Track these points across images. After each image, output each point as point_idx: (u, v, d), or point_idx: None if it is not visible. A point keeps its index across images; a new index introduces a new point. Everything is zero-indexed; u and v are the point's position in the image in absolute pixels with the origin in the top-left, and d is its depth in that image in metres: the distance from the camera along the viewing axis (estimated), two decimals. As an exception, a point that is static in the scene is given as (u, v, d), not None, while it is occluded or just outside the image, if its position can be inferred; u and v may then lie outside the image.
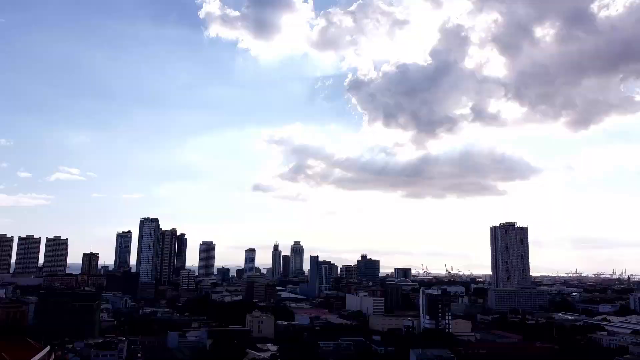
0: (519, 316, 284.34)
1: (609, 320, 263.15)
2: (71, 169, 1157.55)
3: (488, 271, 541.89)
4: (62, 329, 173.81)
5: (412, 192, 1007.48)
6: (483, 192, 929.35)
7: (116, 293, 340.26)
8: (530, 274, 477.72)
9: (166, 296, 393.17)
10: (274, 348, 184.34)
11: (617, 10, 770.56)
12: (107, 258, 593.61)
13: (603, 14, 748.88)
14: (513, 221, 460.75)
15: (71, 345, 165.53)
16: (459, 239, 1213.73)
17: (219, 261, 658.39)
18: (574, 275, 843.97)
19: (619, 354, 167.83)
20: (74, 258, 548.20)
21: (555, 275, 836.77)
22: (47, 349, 48.49)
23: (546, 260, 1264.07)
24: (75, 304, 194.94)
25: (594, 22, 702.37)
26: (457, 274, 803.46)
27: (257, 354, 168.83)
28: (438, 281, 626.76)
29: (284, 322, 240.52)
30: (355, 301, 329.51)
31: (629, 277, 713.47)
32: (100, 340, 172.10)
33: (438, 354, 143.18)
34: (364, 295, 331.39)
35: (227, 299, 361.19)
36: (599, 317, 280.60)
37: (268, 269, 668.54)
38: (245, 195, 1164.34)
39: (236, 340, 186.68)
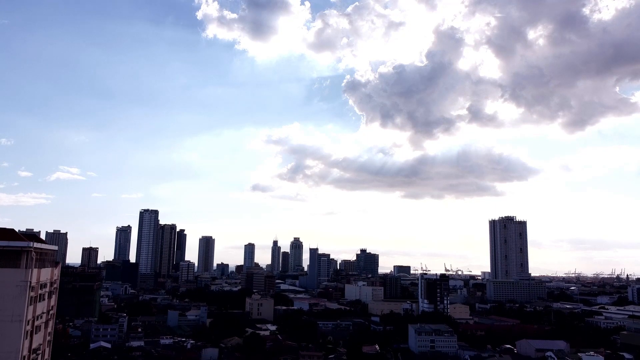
0: (517, 305, 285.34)
1: (607, 309, 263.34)
2: (71, 168, 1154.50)
3: (487, 270, 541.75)
4: (62, 308, 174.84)
5: (410, 192, 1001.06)
6: (481, 192, 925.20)
7: (116, 282, 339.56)
8: (529, 272, 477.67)
9: (166, 287, 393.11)
10: (273, 327, 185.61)
11: (609, 14, 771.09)
12: (106, 256, 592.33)
13: (595, 17, 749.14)
14: (512, 215, 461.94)
15: (72, 323, 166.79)
16: (458, 240, 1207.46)
17: (218, 260, 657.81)
18: (573, 275, 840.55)
19: (615, 334, 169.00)
20: (73, 258, 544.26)
21: (554, 275, 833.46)
22: (56, 247, 49.57)
23: (544, 262, 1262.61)
24: (76, 284, 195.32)
25: (586, 25, 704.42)
26: (456, 272, 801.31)
27: (257, 332, 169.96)
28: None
29: (284, 307, 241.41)
30: (354, 291, 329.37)
31: (627, 275, 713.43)
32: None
33: (436, 328, 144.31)
34: (363, 285, 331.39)
35: (227, 289, 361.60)
36: (596, 307, 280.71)
37: (267, 265, 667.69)
38: (244, 195, 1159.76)
39: (236, 321, 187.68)
